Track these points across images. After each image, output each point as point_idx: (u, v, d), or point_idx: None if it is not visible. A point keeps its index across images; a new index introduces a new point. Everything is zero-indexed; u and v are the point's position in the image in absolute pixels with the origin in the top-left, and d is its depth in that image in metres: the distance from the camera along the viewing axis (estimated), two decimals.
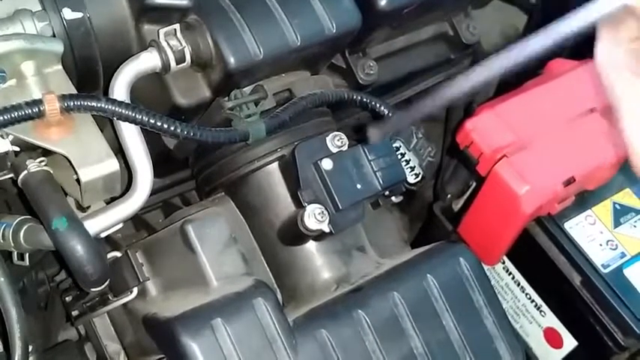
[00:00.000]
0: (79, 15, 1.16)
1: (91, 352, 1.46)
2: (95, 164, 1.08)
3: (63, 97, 1.05)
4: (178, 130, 1.11)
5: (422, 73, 1.66)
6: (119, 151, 1.15)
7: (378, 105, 1.35)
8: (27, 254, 1.18)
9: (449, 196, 1.65)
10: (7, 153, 1.08)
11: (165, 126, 1.10)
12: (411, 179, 1.25)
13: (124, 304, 1.30)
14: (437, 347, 1.20)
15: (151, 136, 1.18)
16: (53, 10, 1.15)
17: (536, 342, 1.56)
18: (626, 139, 0.64)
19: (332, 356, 1.14)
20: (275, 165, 1.26)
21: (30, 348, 1.11)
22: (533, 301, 1.53)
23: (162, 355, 1.20)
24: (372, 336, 1.17)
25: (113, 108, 1.07)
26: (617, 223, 1.48)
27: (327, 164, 1.18)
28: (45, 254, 1.43)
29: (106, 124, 1.18)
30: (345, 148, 1.22)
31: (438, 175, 1.72)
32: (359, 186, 1.20)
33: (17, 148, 1.09)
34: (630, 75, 0.63)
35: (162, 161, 1.32)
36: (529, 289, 1.54)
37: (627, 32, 0.62)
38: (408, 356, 1.18)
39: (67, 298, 1.45)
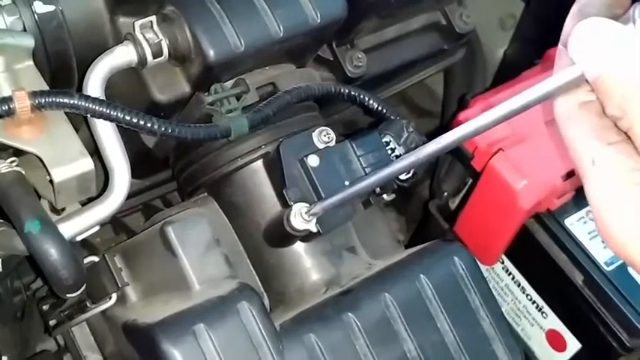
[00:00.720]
0: (50, 8, 1.17)
1: None
2: (69, 164, 1.09)
3: (34, 94, 1.06)
4: (155, 127, 1.11)
5: (413, 65, 1.67)
6: (95, 152, 1.16)
7: (366, 99, 1.36)
8: (0, 260, 1.19)
9: (445, 194, 1.66)
10: None
11: (142, 122, 1.11)
12: (403, 175, 1.26)
13: (103, 312, 1.31)
14: (431, 350, 1.21)
15: (129, 135, 1.19)
16: (24, 4, 1.16)
17: (539, 345, 1.57)
18: (592, 207, 0.63)
19: None
20: (259, 163, 1.27)
21: (5, 359, 1.12)
22: (534, 302, 1.54)
23: None
24: (362, 339, 1.18)
25: (87, 105, 1.08)
26: None
27: (313, 161, 1.18)
28: (20, 261, 1.44)
29: (81, 124, 1.18)
30: (333, 143, 1.22)
31: (434, 172, 1.73)
32: (347, 183, 1.20)
33: None
34: (594, 138, 0.63)
35: (142, 161, 1.33)
36: (530, 290, 1.54)
37: (576, 96, 0.63)
38: None
39: (44, 307, 1.45)
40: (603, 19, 0.60)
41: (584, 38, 0.60)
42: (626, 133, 0.61)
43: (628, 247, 0.61)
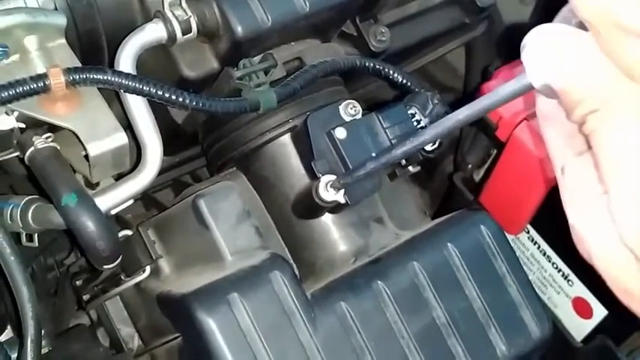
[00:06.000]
0: None
1: (103, 337, 1.50)
2: (103, 138, 1.12)
3: (68, 71, 1.08)
4: (187, 101, 1.14)
5: (436, 39, 1.68)
6: (127, 127, 1.18)
7: (391, 72, 1.38)
8: (36, 235, 1.22)
9: (469, 166, 1.68)
10: (12, 130, 1.11)
11: (174, 97, 1.13)
12: (428, 146, 1.28)
13: (137, 285, 1.34)
14: (460, 317, 1.24)
15: (159, 112, 1.22)
16: None
17: (565, 313, 1.59)
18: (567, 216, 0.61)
19: (352, 328, 1.18)
20: (287, 136, 1.30)
21: (42, 332, 1.15)
22: (560, 270, 1.56)
23: (177, 335, 1.23)
24: (392, 307, 1.21)
25: (120, 80, 1.11)
26: None
27: (340, 133, 1.21)
28: (54, 238, 1.47)
29: (113, 100, 1.21)
30: (359, 116, 1.24)
31: (458, 145, 1.75)
32: (374, 154, 1.22)
33: (23, 125, 1.12)
34: (564, 146, 0.60)
35: (171, 138, 1.35)
36: (555, 259, 1.56)
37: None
38: (430, 326, 1.22)
39: (77, 282, 1.49)
40: (559, 25, 0.57)
41: (539, 44, 0.57)
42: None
43: (610, 267, 0.58)
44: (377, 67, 1.37)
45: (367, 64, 1.37)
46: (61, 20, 1.16)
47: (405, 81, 1.38)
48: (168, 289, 1.24)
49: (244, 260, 1.21)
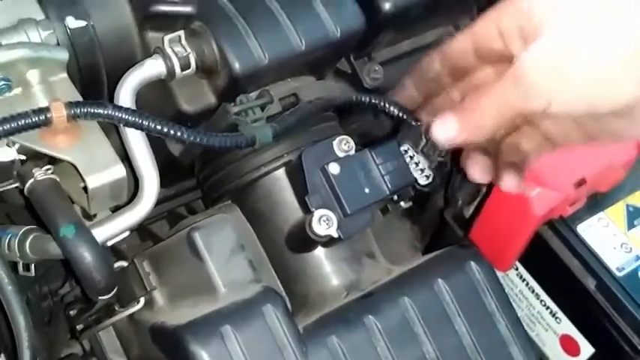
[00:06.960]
0: (82, 23, 1.21)
1: None
2: (102, 171, 1.13)
3: (70, 105, 1.10)
4: (185, 136, 1.16)
5: None
6: (124, 158, 1.20)
7: (387, 105, 1.39)
8: (33, 265, 1.23)
9: (460, 202, 1.69)
10: (13, 162, 1.13)
11: (172, 132, 1.15)
12: (422, 181, 1.30)
13: (131, 315, 1.35)
14: (449, 352, 1.25)
15: (156, 145, 1.23)
16: (57, 19, 1.20)
17: (553, 351, 1.59)
18: None
19: None
20: (282, 171, 1.31)
21: None
22: (548, 307, 1.57)
23: None
24: (383, 342, 1.22)
25: (120, 115, 1.12)
26: (630, 225, 1.52)
27: (334, 168, 1.22)
28: (49, 267, 1.48)
29: (111, 131, 1.23)
30: (352, 152, 1.26)
31: (449, 182, 1.77)
32: (367, 190, 1.23)
33: (23, 157, 1.14)
34: None
35: (168, 170, 1.36)
36: (543, 296, 1.57)
37: None
38: None
39: (71, 312, 1.50)
40: None
41: None
42: None
43: None
44: (373, 101, 1.38)
45: (363, 98, 1.38)
46: (63, 55, 1.18)
47: (400, 114, 1.39)
48: (161, 320, 1.25)
49: (237, 293, 1.22)
